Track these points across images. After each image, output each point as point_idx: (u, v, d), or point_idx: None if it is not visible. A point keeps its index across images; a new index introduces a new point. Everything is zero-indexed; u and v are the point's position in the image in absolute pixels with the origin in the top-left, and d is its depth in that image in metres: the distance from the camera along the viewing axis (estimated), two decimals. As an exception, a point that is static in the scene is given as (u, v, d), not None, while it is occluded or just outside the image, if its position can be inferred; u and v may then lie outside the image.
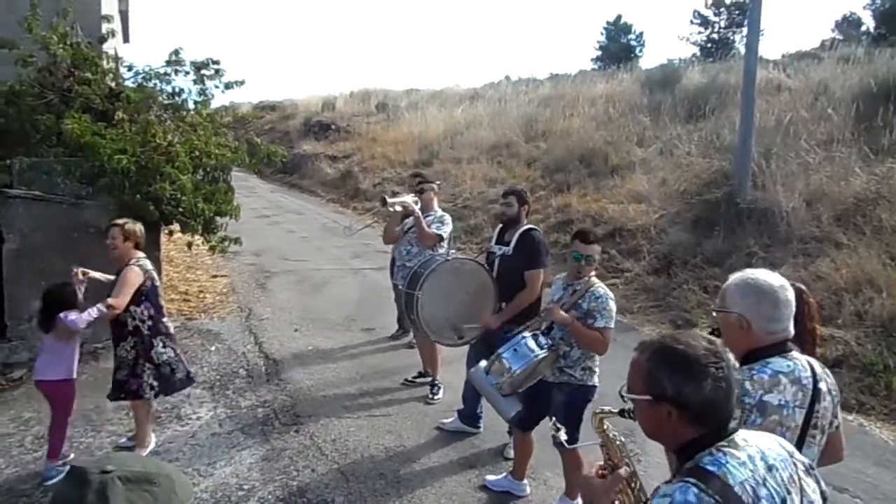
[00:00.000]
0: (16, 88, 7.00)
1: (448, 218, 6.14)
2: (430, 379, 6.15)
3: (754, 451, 1.63)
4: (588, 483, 1.97)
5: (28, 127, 6.99)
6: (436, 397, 5.97)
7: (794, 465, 1.69)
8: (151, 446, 4.95)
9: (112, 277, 4.80)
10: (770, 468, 1.62)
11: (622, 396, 1.78)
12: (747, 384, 2.05)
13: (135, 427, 4.98)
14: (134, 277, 4.65)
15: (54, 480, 4.46)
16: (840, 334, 6.68)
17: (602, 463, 2.07)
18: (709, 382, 1.60)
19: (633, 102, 15.23)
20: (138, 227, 4.85)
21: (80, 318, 4.46)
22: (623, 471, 1.98)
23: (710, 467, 1.57)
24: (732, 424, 1.68)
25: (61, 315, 4.47)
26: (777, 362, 2.11)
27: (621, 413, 2.00)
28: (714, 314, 2.31)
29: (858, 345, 6.50)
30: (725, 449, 1.61)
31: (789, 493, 1.62)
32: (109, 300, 4.56)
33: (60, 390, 4.60)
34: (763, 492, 1.56)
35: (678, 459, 1.68)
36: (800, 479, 1.67)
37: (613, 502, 1.95)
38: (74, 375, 4.68)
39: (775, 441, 1.73)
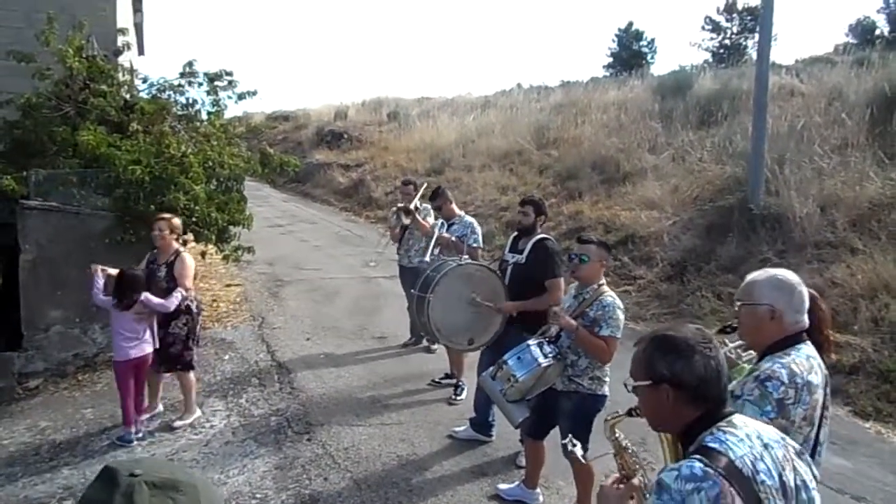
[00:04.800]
0: (33, 101, 7.12)
1: (475, 224, 6.31)
2: (455, 380, 6.17)
3: (751, 430, 1.75)
4: (603, 493, 2.04)
5: (45, 138, 7.09)
6: (459, 398, 6.00)
7: (786, 447, 1.80)
8: (197, 414, 5.55)
9: (115, 271, 5.23)
10: (765, 446, 1.73)
11: (626, 385, 1.89)
12: (794, 366, 2.26)
13: (183, 397, 5.61)
14: (191, 263, 5.44)
15: (133, 443, 5.15)
16: (856, 341, 6.60)
17: (618, 474, 2.10)
18: (698, 359, 1.73)
19: (645, 109, 15.18)
20: (179, 222, 5.66)
21: (168, 301, 5.16)
22: (637, 480, 2.03)
23: (712, 444, 1.68)
24: (730, 407, 1.81)
25: (144, 297, 5.04)
26: (805, 348, 2.35)
27: (630, 412, 2.06)
28: (738, 308, 2.48)
29: (875, 351, 6.43)
30: (725, 428, 1.73)
31: (784, 469, 1.73)
32: (184, 284, 5.29)
33: (144, 365, 5.23)
34: (761, 466, 1.68)
35: (683, 445, 1.80)
36: (792, 459, 1.78)
37: None
38: (153, 349, 5.29)
39: (769, 427, 1.86)
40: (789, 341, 2.34)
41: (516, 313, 4.75)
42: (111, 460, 1.12)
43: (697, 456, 1.66)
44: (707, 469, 1.61)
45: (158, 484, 1.01)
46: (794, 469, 1.76)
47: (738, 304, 2.48)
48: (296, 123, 29.44)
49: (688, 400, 1.75)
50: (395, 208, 7.15)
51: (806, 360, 2.30)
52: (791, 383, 2.22)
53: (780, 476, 1.71)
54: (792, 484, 1.73)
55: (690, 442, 1.75)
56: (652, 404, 1.82)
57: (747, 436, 1.73)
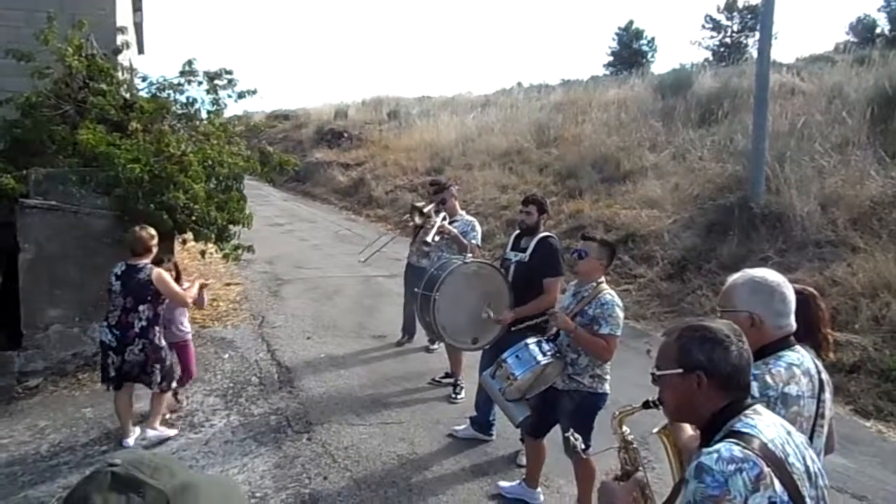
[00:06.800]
0: (32, 100, 7.09)
1: (476, 223, 6.42)
2: (454, 379, 6.17)
3: (775, 417, 1.80)
4: (607, 487, 2.05)
5: (44, 138, 7.07)
6: (458, 397, 6.01)
7: (800, 435, 1.84)
8: (133, 438, 5.18)
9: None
10: (789, 432, 1.77)
11: (653, 374, 1.88)
12: (767, 378, 2.11)
13: None
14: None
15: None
16: (857, 339, 6.59)
17: (619, 470, 2.12)
18: (734, 349, 1.76)
19: (646, 107, 15.17)
20: (136, 234, 5.20)
21: None
22: (640, 474, 2.05)
23: (743, 429, 1.71)
24: (748, 400, 1.81)
25: None
26: (788, 355, 2.19)
27: (645, 405, 2.06)
28: (719, 316, 2.32)
29: (876, 350, 6.42)
30: (752, 415, 1.75)
31: (804, 455, 1.76)
32: None
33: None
34: (788, 449, 1.71)
35: (706, 435, 1.79)
36: (807, 447, 1.82)
37: None
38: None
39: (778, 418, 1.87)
40: (770, 349, 2.19)
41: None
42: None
43: (733, 439, 1.67)
44: (746, 451, 1.63)
45: (123, 478, 0.94)
46: (812, 457, 1.79)
47: (719, 311, 2.33)
48: (296, 122, 29.45)
49: (718, 387, 1.76)
50: (412, 203, 7.24)
51: (785, 370, 2.14)
52: (762, 396, 2.06)
53: (804, 460, 1.74)
54: (813, 469, 1.76)
55: (715, 431, 1.76)
56: (680, 393, 1.82)
57: (773, 422, 1.77)
